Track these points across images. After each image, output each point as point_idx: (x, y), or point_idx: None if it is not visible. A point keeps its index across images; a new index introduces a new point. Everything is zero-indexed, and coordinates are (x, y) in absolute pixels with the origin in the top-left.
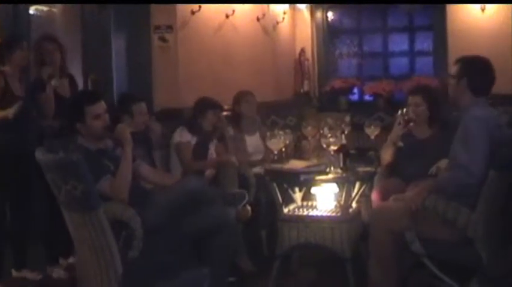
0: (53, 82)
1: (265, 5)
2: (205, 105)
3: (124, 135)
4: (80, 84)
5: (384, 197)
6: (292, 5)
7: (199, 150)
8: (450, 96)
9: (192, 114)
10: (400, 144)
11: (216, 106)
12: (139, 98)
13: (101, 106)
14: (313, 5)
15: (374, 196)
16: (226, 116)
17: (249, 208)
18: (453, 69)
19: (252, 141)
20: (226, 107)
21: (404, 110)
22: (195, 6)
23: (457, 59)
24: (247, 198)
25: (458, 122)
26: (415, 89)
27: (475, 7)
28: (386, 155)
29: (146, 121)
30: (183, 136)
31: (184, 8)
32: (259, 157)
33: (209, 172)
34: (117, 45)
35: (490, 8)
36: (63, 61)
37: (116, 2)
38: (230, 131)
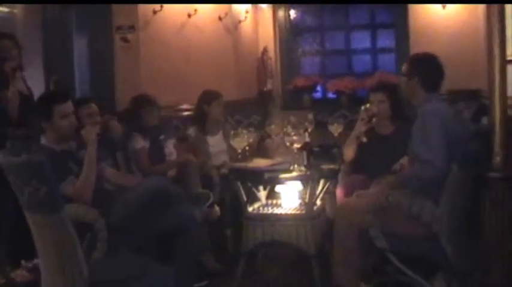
0: (17, 75)
1: (227, 5)
2: (141, 103)
3: (90, 137)
4: (42, 85)
5: (348, 193)
6: (255, 4)
7: (155, 152)
8: (404, 93)
9: (133, 115)
10: (364, 139)
11: (150, 103)
12: (87, 100)
13: (69, 106)
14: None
15: (338, 192)
16: (189, 116)
17: (217, 208)
18: (404, 68)
19: (215, 141)
20: (187, 106)
21: (368, 105)
22: (157, 6)
23: (407, 59)
24: (212, 198)
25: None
26: (377, 86)
27: (436, 4)
28: (349, 151)
29: (98, 122)
30: (137, 143)
31: (146, 8)
32: (222, 156)
33: (171, 172)
34: (79, 45)
35: (452, 5)
36: (21, 59)
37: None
38: (192, 131)
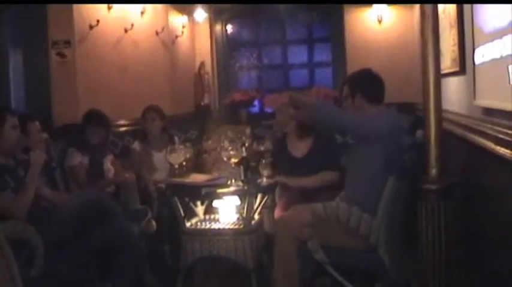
0: None
1: (164, 19)
2: (90, 120)
3: (38, 161)
4: None
5: (285, 208)
6: (191, 18)
7: (93, 169)
8: None
9: (79, 131)
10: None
11: (102, 121)
12: (31, 116)
13: (16, 119)
14: (213, 18)
15: (277, 207)
16: (133, 131)
17: (153, 222)
18: (344, 91)
19: (159, 157)
20: (124, 121)
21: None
22: (93, 21)
23: (344, 82)
24: (149, 214)
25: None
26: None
27: (373, 19)
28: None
29: (40, 139)
30: (74, 159)
31: (82, 23)
32: (165, 173)
33: (110, 188)
34: (15, 61)
35: (387, 19)
36: None
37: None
38: (137, 146)
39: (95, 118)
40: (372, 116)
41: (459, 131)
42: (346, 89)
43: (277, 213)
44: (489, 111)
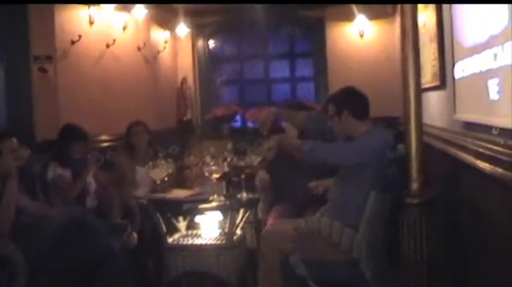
0: None
1: (146, 35)
2: (69, 135)
3: (9, 169)
4: None
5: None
6: (173, 33)
7: (75, 183)
8: (340, 132)
9: (58, 146)
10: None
11: (80, 136)
12: (7, 133)
13: None
14: (195, 33)
15: (270, 220)
16: (108, 146)
17: (135, 235)
18: (330, 110)
19: (143, 172)
20: (106, 137)
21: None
22: (75, 36)
23: (327, 101)
24: (129, 229)
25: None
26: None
27: (354, 33)
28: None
29: (21, 157)
30: (54, 171)
31: (64, 38)
32: (146, 188)
33: (91, 203)
34: None
35: (369, 34)
36: None
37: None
38: (123, 160)
39: (71, 133)
40: (360, 136)
41: (440, 145)
42: (331, 107)
43: (270, 222)
44: (469, 125)
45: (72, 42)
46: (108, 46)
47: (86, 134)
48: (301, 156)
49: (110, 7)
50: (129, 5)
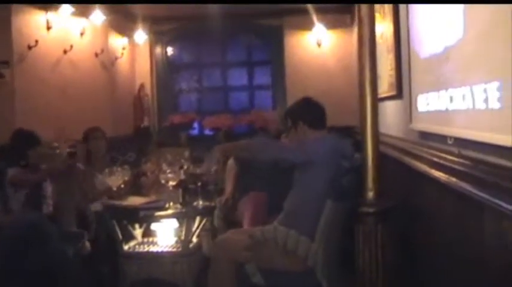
0: None
1: (103, 41)
2: (22, 141)
3: None
4: None
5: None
6: (131, 40)
7: (31, 188)
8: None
9: (11, 152)
10: None
11: (33, 141)
12: None
13: None
14: (153, 40)
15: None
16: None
17: (87, 244)
18: (288, 122)
19: (101, 179)
20: (64, 143)
21: None
22: (32, 41)
23: (285, 113)
24: (86, 237)
25: None
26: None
27: (312, 42)
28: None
29: None
30: (10, 174)
31: (21, 43)
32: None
33: (47, 210)
34: None
35: (327, 43)
36: None
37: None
38: (81, 166)
39: (24, 138)
40: (316, 143)
41: (396, 154)
42: (288, 120)
43: (245, 225)
44: (425, 135)
45: (29, 47)
46: (65, 52)
47: (39, 139)
48: (250, 155)
49: (68, 12)
50: (87, 11)
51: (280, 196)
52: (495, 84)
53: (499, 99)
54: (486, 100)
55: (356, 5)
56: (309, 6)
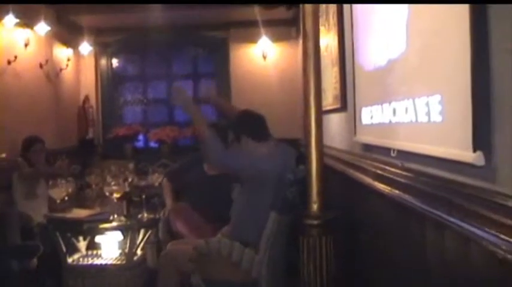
0: None
1: (48, 52)
2: None
3: None
4: None
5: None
6: (76, 51)
7: None
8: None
9: None
10: None
11: None
12: None
13: None
14: (98, 51)
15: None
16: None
17: (35, 259)
18: (230, 136)
19: (42, 190)
20: (5, 155)
21: None
22: None
23: (226, 128)
24: (41, 249)
25: None
26: None
27: (257, 54)
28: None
29: None
30: None
31: None
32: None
33: None
34: None
35: (272, 55)
36: None
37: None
38: (16, 177)
39: None
40: (260, 155)
41: (340, 166)
42: (230, 134)
43: (180, 228)
44: (369, 147)
45: None
46: (9, 62)
47: None
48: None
49: (12, 23)
50: (31, 22)
51: (219, 206)
52: (437, 98)
53: (440, 113)
54: (428, 113)
55: (301, 19)
56: (256, 17)
